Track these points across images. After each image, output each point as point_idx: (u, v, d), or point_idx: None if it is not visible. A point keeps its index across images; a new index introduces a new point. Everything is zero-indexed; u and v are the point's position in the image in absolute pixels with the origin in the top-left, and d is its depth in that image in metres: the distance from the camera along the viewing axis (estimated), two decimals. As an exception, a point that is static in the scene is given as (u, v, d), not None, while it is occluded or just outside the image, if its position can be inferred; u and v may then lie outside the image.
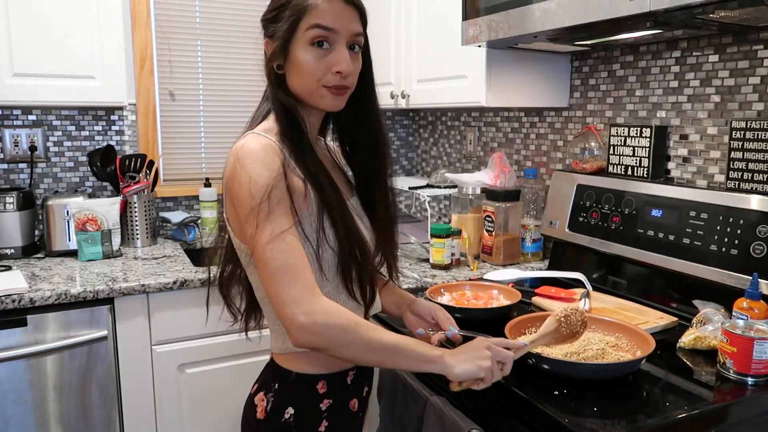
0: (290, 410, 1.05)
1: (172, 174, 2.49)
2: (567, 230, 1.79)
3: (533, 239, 1.97)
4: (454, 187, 2.21)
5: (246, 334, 1.17)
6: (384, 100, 2.30)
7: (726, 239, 1.36)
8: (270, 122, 1.03)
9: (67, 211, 2.04)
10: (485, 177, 2.06)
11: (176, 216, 2.36)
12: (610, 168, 1.73)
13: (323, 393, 1.07)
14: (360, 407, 1.14)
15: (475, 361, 0.99)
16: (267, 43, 1.04)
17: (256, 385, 1.12)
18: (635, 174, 1.65)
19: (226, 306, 1.15)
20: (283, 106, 1.03)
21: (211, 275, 1.16)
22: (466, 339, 1.12)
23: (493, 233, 1.95)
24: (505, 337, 1.19)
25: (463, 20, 1.68)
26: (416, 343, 0.99)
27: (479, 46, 1.75)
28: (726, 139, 1.49)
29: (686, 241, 1.45)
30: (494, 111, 2.33)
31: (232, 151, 0.99)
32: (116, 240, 2.07)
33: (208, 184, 2.40)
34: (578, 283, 1.65)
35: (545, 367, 1.10)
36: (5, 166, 2.19)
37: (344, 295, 1.05)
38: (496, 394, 1.13)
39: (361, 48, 1.05)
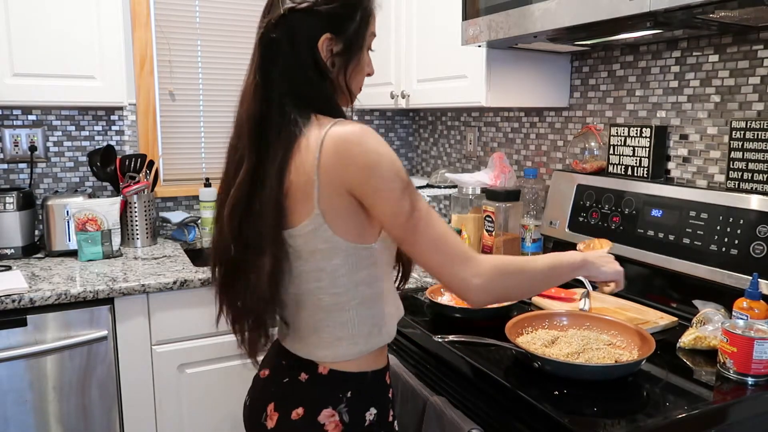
0: (372, 411, 1.02)
1: (172, 174, 2.49)
2: (567, 230, 1.79)
3: (533, 239, 1.96)
4: (454, 187, 2.21)
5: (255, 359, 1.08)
6: (384, 100, 2.30)
7: (726, 239, 1.36)
8: (324, 120, 0.96)
9: (67, 211, 2.04)
10: (485, 177, 2.06)
11: (176, 216, 2.36)
12: (610, 168, 1.73)
13: (389, 383, 1.08)
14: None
15: (612, 264, 1.12)
16: (331, 39, 0.97)
17: (302, 408, 1.00)
18: (635, 174, 1.65)
19: (256, 333, 1.04)
20: (334, 103, 1.00)
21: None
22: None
23: (493, 233, 1.95)
24: (505, 337, 1.19)
25: (463, 20, 1.68)
26: (558, 256, 1.07)
27: (479, 46, 1.75)
28: (726, 139, 1.49)
29: (686, 241, 1.45)
30: (494, 111, 2.33)
31: (333, 140, 0.91)
32: (116, 240, 2.07)
33: (208, 184, 2.40)
34: (578, 283, 1.65)
35: (546, 368, 1.10)
36: (5, 166, 2.19)
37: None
38: (496, 394, 1.13)
39: None
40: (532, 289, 1.07)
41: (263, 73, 0.98)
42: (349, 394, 1.00)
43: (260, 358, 1.10)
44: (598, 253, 1.16)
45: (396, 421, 1.09)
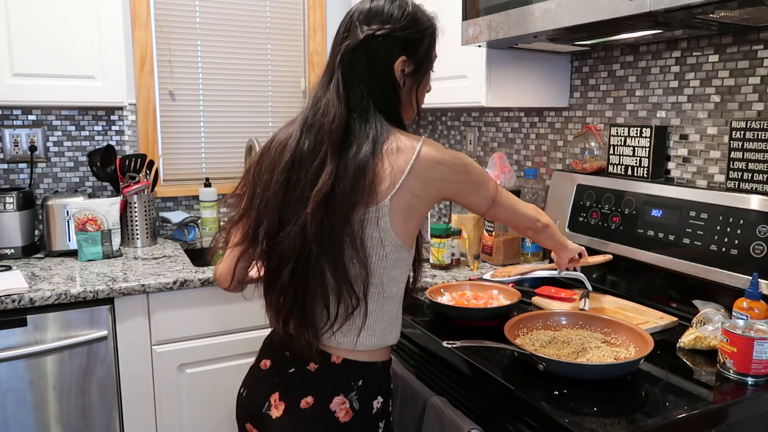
0: (379, 399, 1.09)
1: (172, 174, 2.49)
2: (567, 230, 1.79)
3: (533, 239, 1.96)
4: (454, 187, 2.21)
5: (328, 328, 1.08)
6: (384, 100, 2.30)
7: (726, 239, 1.36)
8: (412, 138, 1.07)
9: (67, 211, 2.04)
10: (485, 177, 2.06)
11: (176, 216, 2.36)
12: (610, 168, 1.73)
13: (391, 375, 1.16)
14: None
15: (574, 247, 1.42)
16: (405, 61, 1.10)
17: (311, 397, 1.05)
18: (635, 174, 1.65)
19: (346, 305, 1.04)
20: (399, 114, 1.13)
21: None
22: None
23: (493, 233, 1.95)
24: (505, 337, 1.19)
25: (463, 20, 1.68)
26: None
27: (479, 46, 1.75)
28: (726, 139, 1.49)
29: (686, 241, 1.45)
30: (494, 111, 2.33)
31: (423, 155, 1.04)
32: (116, 240, 2.07)
33: (208, 184, 2.40)
34: (578, 283, 1.65)
35: (551, 369, 1.10)
36: (5, 166, 2.19)
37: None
38: (496, 394, 1.13)
39: None
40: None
41: (346, 89, 1.06)
42: (360, 383, 1.06)
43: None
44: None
45: (392, 416, 1.16)
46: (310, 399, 1.05)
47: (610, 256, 1.58)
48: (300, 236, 1.00)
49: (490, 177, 1.18)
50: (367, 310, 1.05)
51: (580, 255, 1.49)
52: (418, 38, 1.11)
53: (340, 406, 1.05)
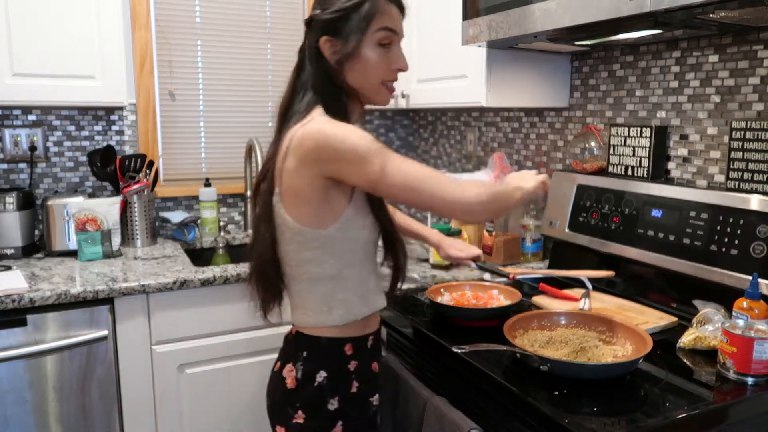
0: (323, 374, 1.14)
1: (172, 174, 2.49)
2: (567, 230, 1.79)
3: (533, 239, 1.97)
4: (454, 187, 2.21)
5: (265, 317, 1.24)
6: (384, 100, 2.30)
7: (726, 239, 1.36)
8: (316, 113, 1.10)
9: (67, 211, 2.04)
10: (485, 177, 2.06)
11: (176, 216, 2.36)
12: (610, 168, 1.73)
13: (350, 354, 1.16)
14: (380, 370, 1.24)
15: (534, 179, 1.21)
16: (329, 41, 1.11)
17: (278, 362, 1.19)
18: (635, 174, 1.65)
19: (263, 291, 1.20)
20: (338, 99, 1.13)
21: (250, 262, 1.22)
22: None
23: (493, 233, 1.96)
24: (505, 338, 1.19)
25: (463, 20, 1.68)
26: (503, 184, 1.18)
27: (479, 46, 1.75)
28: (726, 139, 1.49)
29: (686, 241, 1.45)
30: (494, 111, 2.33)
31: (300, 133, 1.05)
32: (116, 240, 2.07)
33: (208, 184, 2.40)
34: (578, 283, 1.65)
35: (554, 370, 1.10)
36: (5, 166, 2.19)
37: (375, 277, 1.19)
38: (496, 394, 1.14)
39: None
40: (508, 204, 1.16)
41: (296, 73, 1.17)
42: (304, 354, 1.15)
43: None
44: (524, 174, 1.25)
45: (374, 408, 1.20)
46: (278, 363, 1.20)
47: (612, 273, 1.58)
48: (253, 219, 1.19)
49: (379, 153, 1.02)
50: (291, 290, 1.17)
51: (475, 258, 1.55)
52: (338, 16, 1.10)
53: (289, 374, 1.15)
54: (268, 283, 1.19)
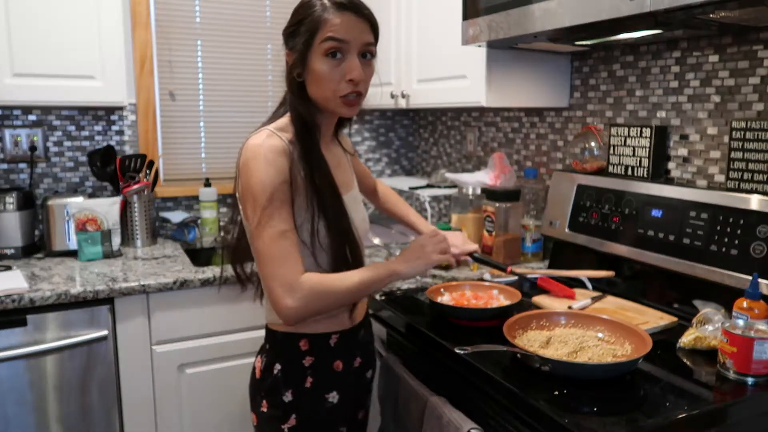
0: (278, 366, 1.20)
1: (172, 174, 2.49)
2: (567, 230, 1.79)
3: (533, 239, 1.97)
4: (454, 187, 2.21)
5: (260, 300, 1.30)
6: (384, 100, 2.30)
7: (726, 239, 1.36)
8: (286, 121, 1.16)
9: (67, 211, 2.04)
10: (485, 177, 2.06)
11: (176, 216, 2.36)
12: (610, 168, 1.73)
13: (305, 350, 1.20)
14: (353, 370, 1.26)
15: (420, 260, 1.20)
16: (288, 54, 1.16)
17: (257, 354, 1.28)
18: (635, 174, 1.65)
19: (236, 274, 1.28)
20: (300, 114, 1.15)
21: (226, 244, 1.32)
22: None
23: (493, 233, 1.95)
24: (505, 338, 1.19)
25: (463, 20, 1.68)
26: (371, 269, 1.16)
27: (479, 46, 1.75)
28: (726, 139, 1.49)
29: (686, 241, 1.45)
30: (494, 111, 2.33)
31: (246, 144, 1.11)
32: (116, 240, 2.07)
33: (208, 184, 2.40)
34: (578, 283, 1.65)
35: (555, 370, 1.10)
36: (5, 166, 2.19)
37: None
38: (496, 394, 1.13)
39: (373, 57, 1.16)
40: (348, 301, 1.18)
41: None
42: (267, 346, 1.24)
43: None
44: (415, 246, 1.23)
45: (331, 405, 1.22)
46: (257, 355, 1.28)
47: (612, 273, 1.59)
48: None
49: (265, 212, 1.06)
50: (261, 288, 1.23)
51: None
52: (294, 29, 1.15)
53: (257, 364, 1.25)
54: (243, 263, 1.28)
